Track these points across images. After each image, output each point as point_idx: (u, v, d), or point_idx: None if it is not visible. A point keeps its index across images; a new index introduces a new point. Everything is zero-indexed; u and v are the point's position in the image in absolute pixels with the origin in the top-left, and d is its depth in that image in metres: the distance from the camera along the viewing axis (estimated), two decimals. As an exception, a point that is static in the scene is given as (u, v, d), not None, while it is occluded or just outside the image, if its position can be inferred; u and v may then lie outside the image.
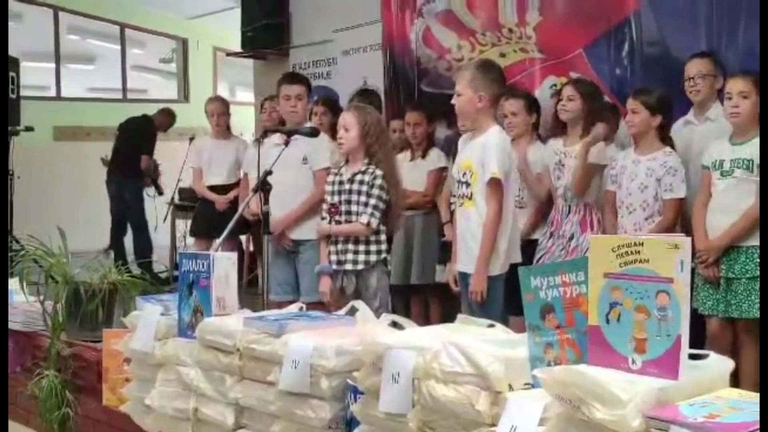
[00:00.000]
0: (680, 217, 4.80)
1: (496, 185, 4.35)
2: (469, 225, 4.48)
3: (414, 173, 6.11)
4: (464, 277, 4.54)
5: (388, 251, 4.87)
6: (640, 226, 4.77)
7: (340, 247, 4.73)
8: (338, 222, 4.76)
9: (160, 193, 10.16)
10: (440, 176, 6.12)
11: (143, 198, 10.08)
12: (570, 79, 5.65)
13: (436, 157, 6.19)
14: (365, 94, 6.72)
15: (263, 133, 6.29)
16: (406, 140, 6.27)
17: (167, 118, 10.32)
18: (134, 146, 9.90)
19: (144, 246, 9.86)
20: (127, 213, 9.97)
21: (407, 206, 5.89)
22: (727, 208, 4.48)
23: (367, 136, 4.70)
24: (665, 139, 4.84)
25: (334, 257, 4.75)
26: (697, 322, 4.67)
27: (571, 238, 5.12)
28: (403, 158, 6.02)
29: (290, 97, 5.44)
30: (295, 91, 5.45)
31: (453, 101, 4.54)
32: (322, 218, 4.85)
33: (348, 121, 4.74)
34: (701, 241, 4.50)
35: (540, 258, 5.20)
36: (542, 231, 5.33)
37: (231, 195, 7.16)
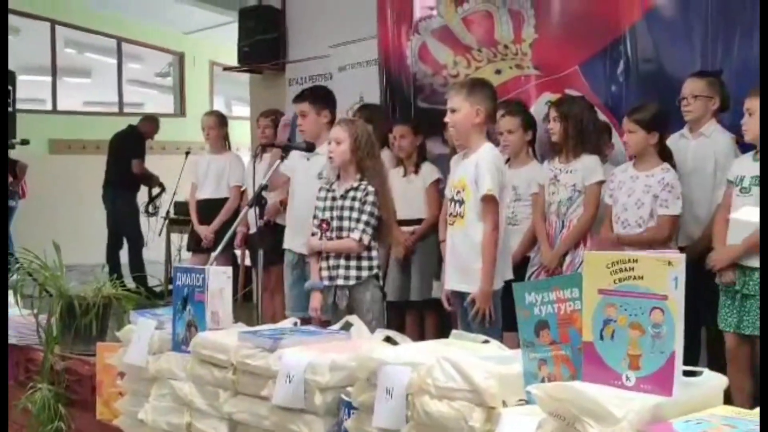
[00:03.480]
0: (675, 234, 4.82)
1: (491, 201, 4.36)
2: (461, 244, 4.49)
3: (409, 189, 6.09)
4: (457, 295, 4.55)
5: (380, 266, 4.87)
6: (634, 242, 4.79)
7: (331, 262, 4.72)
8: (329, 238, 4.75)
9: (155, 211, 10.17)
10: (438, 189, 6.07)
11: (138, 211, 10.10)
12: (555, 99, 5.65)
13: (429, 171, 6.17)
14: (366, 109, 6.70)
15: (261, 149, 6.32)
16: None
17: (152, 125, 10.39)
18: (124, 157, 9.94)
19: (139, 260, 9.86)
20: (122, 226, 9.97)
21: (406, 222, 5.91)
22: (743, 226, 4.44)
23: (358, 149, 4.69)
24: (664, 154, 4.85)
25: (325, 273, 4.74)
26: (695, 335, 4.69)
27: (565, 254, 5.12)
28: (396, 174, 6.02)
29: (298, 115, 5.52)
30: (299, 108, 5.51)
31: (447, 119, 4.54)
32: (313, 234, 4.83)
33: (339, 134, 4.73)
34: (719, 254, 4.50)
35: (532, 274, 5.20)
36: (535, 247, 5.33)
37: (211, 230, 7.14)
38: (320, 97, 5.59)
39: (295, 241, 5.49)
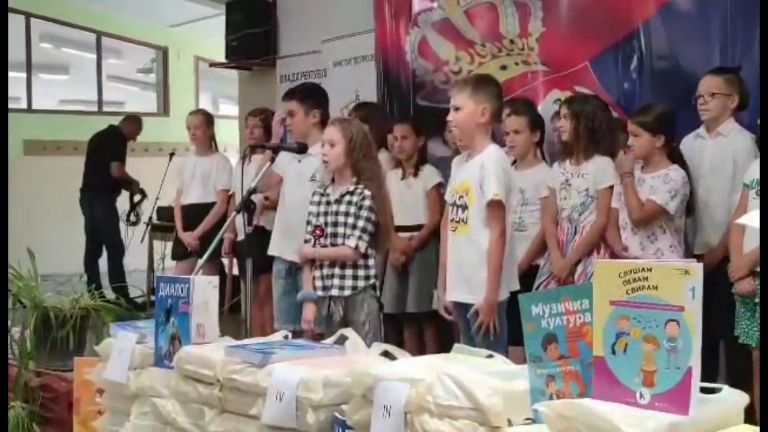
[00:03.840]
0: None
1: (497, 207, 4.36)
2: (464, 251, 4.48)
3: (408, 193, 6.08)
4: (460, 307, 4.55)
5: (377, 276, 4.86)
6: (643, 246, 4.83)
7: (325, 271, 4.71)
8: (323, 245, 4.74)
9: (136, 220, 10.16)
10: (439, 193, 6.06)
11: (118, 216, 10.08)
12: (567, 97, 5.65)
13: (430, 174, 6.16)
14: (363, 107, 6.68)
15: (250, 150, 6.32)
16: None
17: (134, 125, 10.37)
18: (103, 160, 9.91)
19: (119, 269, 9.85)
20: (101, 233, 9.96)
21: (405, 228, 5.91)
22: (755, 231, 4.45)
23: (353, 151, 4.68)
24: (673, 156, 4.87)
25: (319, 282, 4.73)
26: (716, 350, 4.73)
27: (577, 262, 5.13)
28: (394, 176, 6.01)
29: (286, 115, 5.56)
30: (287, 107, 5.55)
31: (449, 117, 4.54)
32: (306, 241, 4.82)
33: (333, 135, 4.72)
34: (736, 263, 4.51)
35: (541, 284, 5.20)
36: (544, 255, 5.33)
37: (194, 236, 7.13)
38: (310, 96, 5.61)
39: (285, 247, 5.48)
